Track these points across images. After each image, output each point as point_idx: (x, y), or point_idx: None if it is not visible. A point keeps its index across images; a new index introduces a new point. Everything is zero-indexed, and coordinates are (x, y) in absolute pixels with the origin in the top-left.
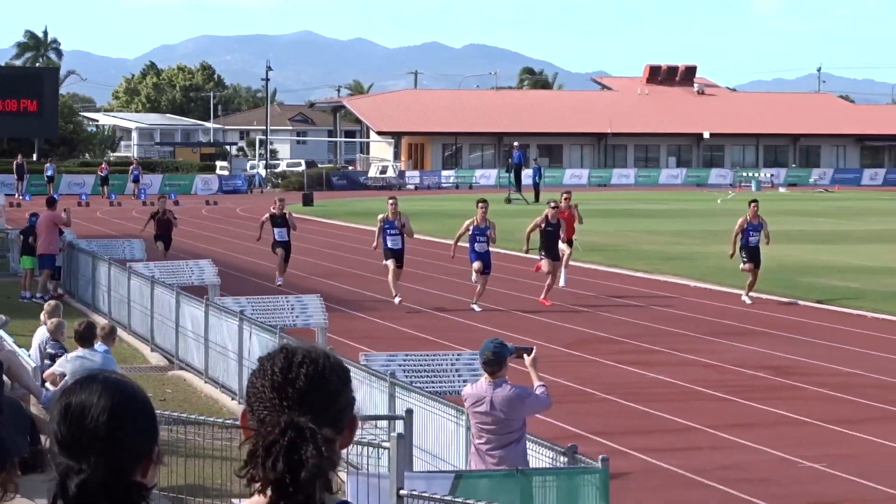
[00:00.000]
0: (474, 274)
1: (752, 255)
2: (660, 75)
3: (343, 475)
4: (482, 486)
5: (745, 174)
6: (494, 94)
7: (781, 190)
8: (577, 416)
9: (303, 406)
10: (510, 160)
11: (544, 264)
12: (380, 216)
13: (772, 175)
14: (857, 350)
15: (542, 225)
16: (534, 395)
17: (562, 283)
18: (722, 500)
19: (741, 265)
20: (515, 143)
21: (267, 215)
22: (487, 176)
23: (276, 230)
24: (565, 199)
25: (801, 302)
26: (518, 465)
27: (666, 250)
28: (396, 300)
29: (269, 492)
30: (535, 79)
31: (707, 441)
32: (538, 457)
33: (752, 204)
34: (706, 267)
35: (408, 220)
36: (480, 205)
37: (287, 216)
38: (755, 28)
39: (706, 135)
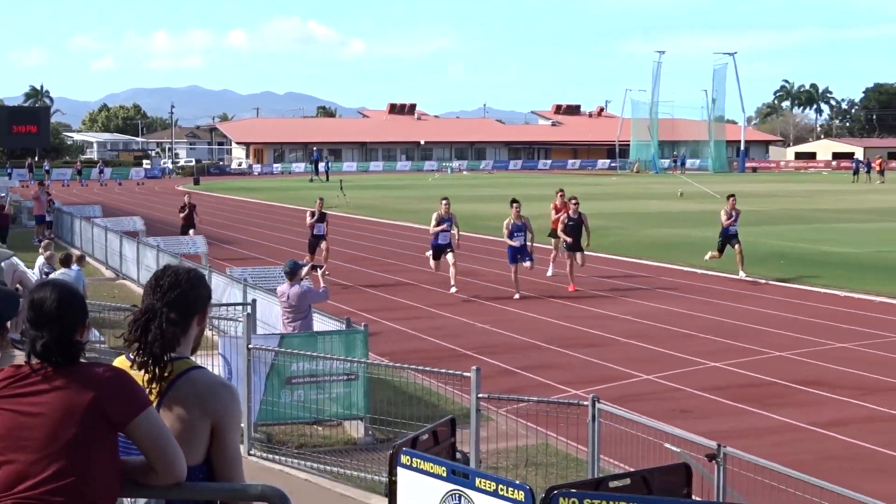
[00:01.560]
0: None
1: (729, 242)
2: (395, 109)
3: (218, 338)
4: (295, 342)
5: (444, 164)
6: (303, 120)
7: (464, 173)
8: (355, 302)
9: (163, 299)
10: (312, 157)
11: (571, 255)
12: (434, 214)
13: (459, 164)
14: None
15: (565, 220)
16: (315, 292)
17: (549, 272)
18: (432, 348)
19: (711, 254)
20: (315, 148)
21: (309, 214)
22: (299, 167)
23: (316, 226)
24: (560, 195)
25: None
26: (308, 330)
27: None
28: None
29: (132, 350)
30: (326, 111)
31: (417, 314)
32: (334, 323)
33: (731, 198)
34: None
35: (455, 217)
36: (515, 204)
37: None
38: (451, 79)
39: (422, 142)
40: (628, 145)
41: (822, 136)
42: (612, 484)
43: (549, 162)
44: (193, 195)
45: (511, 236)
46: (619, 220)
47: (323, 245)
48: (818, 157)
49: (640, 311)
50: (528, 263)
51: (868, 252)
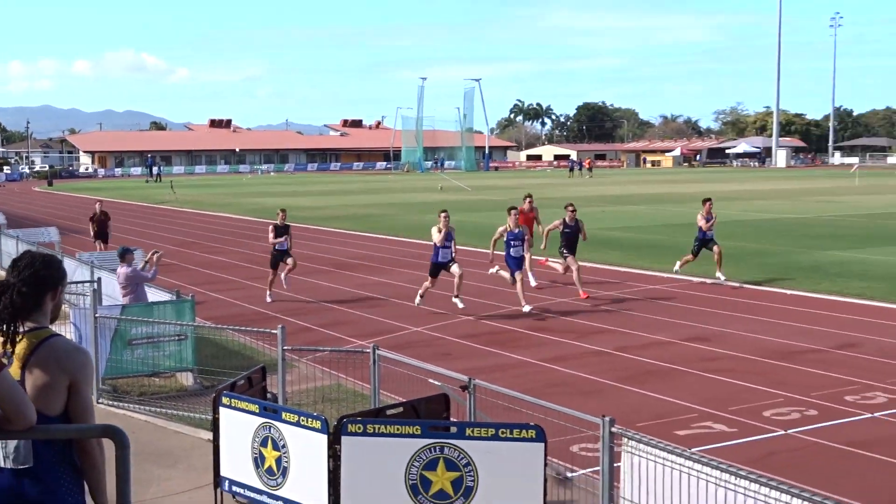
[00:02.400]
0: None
1: (706, 245)
2: (215, 124)
3: (69, 310)
4: (135, 311)
5: (255, 167)
6: (139, 133)
7: (272, 174)
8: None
9: (18, 276)
10: (147, 163)
11: (569, 261)
12: (434, 228)
13: (267, 167)
14: None
15: (561, 227)
16: (141, 273)
17: (532, 282)
18: (247, 313)
19: (685, 258)
20: (149, 155)
21: (272, 230)
22: (136, 171)
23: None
24: (528, 201)
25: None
26: (140, 302)
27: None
28: (460, 305)
29: None
30: (158, 125)
31: (235, 286)
32: (167, 295)
33: (707, 202)
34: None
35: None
36: (513, 211)
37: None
38: (260, 99)
39: (237, 150)
40: (400, 150)
41: (546, 142)
42: (389, 412)
43: (338, 164)
44: (102, 202)
45: (508, 245)
46: (393, 209)
47: (289, 261)
48: (544, 158)
49: (408, 278)
50: (506, 274)
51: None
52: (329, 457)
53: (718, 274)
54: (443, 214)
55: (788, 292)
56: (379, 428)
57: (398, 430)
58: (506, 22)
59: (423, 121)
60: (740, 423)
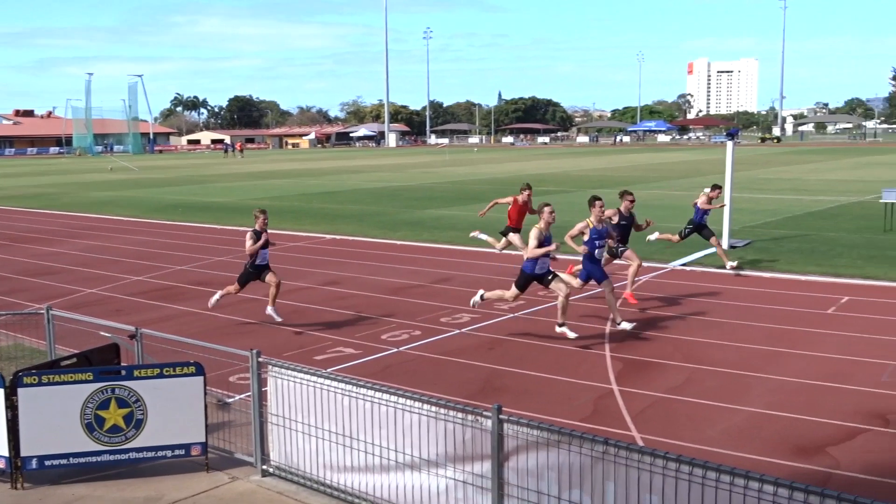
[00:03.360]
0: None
1: (698, 229)
2: None
3: None
4: None
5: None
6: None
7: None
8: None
9: None
10: None
11: (629, 254)
12: (534, 230)
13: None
14: None
15: (617, 218)
16: None
17: None
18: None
19: (668, 235)
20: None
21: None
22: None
23: (261, 253)
24: (527, 193)
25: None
26: None
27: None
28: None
29: None
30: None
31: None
32: None
33: (716, 188)
34: None
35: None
36: (598, 202)
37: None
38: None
39: None
40: (72, 137)
41: (204, 129)
42: (64, 363)
43: (13, 150)
44: None
45: (592, 244)
46: (63, 189)
47: (269, 278)
48: (202, 142)
49: (80, 247)
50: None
51: (237, 199)
52: (7, 408)
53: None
54: (547, 208)
55: (399, 242)
56: (54, 378)
57: (72, 377)
58: (163, 27)
59: (92, 111)
60: (364, 346)
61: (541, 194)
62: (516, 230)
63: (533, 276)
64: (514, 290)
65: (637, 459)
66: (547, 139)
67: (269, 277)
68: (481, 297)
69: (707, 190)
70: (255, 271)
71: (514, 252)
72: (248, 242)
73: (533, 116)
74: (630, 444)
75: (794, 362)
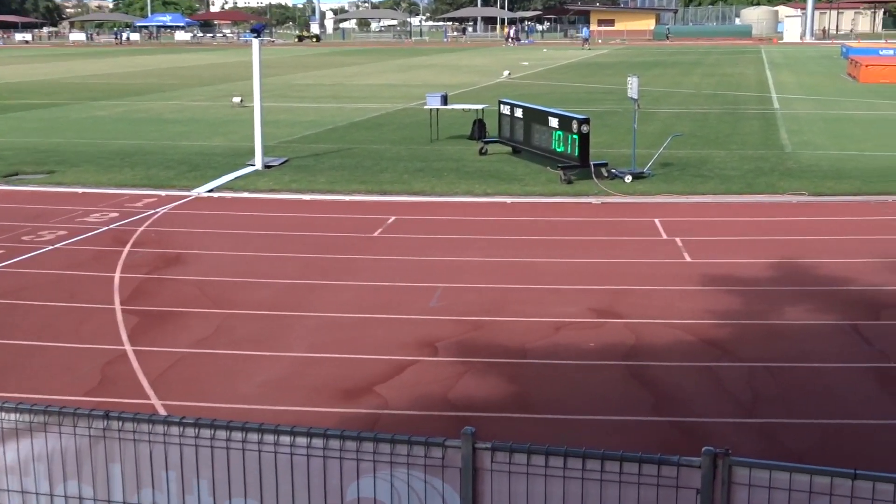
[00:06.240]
0: None
1: None
2: None
3: None
4: None
5: None
6: None
7: None
8: None
9: None
10: None
11: None
12: None
13: None
14: None
15: None
16: None
17: None
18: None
19: None
20: None
21: None
22: None
23: None
24: None
25: None
26: None
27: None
28: None
29: None
30: None
31: None
32: None
33: None
34: None
35: None
36: None
37: None
38: None
39: None
40: None
41: None
42: None
43: None
44: None
45: None
46: None
47: None
48: None
49: None
50: None
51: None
52: None
53: None
54: None
55: None
56: None
57: None
58: None
59: None
60: None
61: (24, 109)
62: None
63: None
64: None
65: (147, 431)
66: (29, 36)
67: None
68: None
69: (236, 100)
70: None
71: None
72: None
73: (8, 6)
74: (137, 414)
75: (338, 295)
